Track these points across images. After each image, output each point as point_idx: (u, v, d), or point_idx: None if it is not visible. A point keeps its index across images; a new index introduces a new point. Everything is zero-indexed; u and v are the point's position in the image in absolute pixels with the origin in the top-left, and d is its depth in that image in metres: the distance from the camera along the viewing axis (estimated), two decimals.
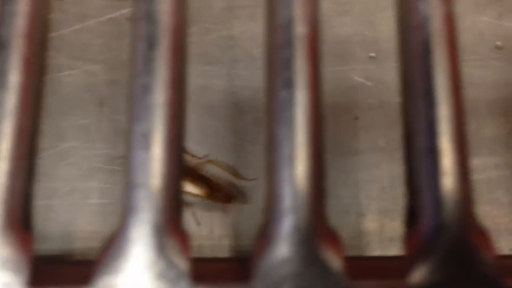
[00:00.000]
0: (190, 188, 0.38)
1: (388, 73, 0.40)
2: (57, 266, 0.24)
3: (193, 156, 0.38)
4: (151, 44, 0.21)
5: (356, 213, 0.37)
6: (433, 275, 0.19)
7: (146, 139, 0.20)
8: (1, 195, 0.20)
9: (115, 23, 0.40)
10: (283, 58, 0.21)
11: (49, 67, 0.35)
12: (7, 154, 0.20)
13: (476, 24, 0.41)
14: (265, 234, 0.20)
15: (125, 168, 0.20)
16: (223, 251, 0.37)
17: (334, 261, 0.19)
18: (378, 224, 0.37)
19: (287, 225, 0.19)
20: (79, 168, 0.37)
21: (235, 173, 0.38)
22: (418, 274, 0.19)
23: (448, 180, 0.20)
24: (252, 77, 0.39)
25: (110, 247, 0.19)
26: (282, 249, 0.19)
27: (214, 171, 0.38)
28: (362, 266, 0.23)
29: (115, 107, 0.39)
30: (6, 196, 0.20)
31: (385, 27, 0.41)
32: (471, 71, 0.40)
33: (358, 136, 0.39)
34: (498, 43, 0.40)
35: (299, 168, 0.20)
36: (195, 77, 0.39)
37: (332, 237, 0.20)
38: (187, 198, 0.38)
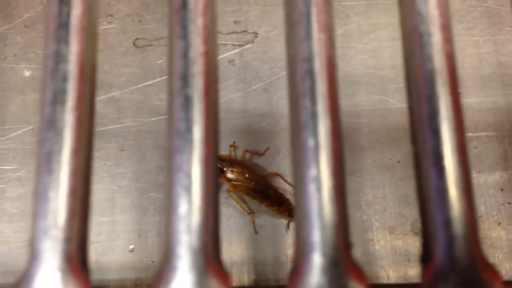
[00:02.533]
0: (260, 199, 0.42)
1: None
2: None
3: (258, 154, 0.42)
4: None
5: None
6: None
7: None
8: (62, 235, 0.22)
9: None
10: None
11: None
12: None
13: None
14: (296, 269, 0.23)
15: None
16: None
17: None
18: None
19: (317, 260, 0.22)
20: None
21: None
22: None
23: (458, 220, 0.23)
24: None
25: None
26: (313, 283, 0.22)
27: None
28: None
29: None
30: (66, 236, 0.22)
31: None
32: None
33: None
34: None
35: (327, 211, 0.23)
36: None
37: (357, 269, 0.23)
38: (252, 206, 0.41)
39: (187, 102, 0.24)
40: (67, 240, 0.22)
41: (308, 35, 0.24)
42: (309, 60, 0.24)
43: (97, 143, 0.43)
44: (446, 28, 0.25)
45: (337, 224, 0.23)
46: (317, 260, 0.23)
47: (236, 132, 0.43)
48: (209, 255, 0.23)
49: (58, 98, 0.23)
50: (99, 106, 0.43)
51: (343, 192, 0.24)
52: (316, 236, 0.23)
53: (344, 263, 0.23)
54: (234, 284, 0.41)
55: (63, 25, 0.24)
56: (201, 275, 0.22)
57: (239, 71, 0.44)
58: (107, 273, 0.40)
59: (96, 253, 0.40)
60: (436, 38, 0.25)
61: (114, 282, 0.40)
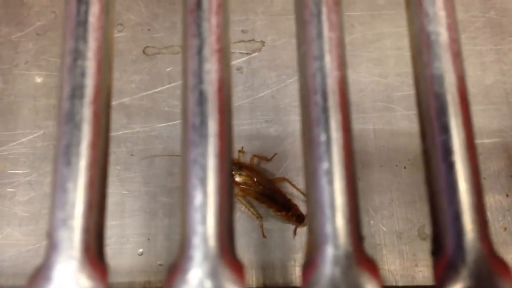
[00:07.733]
0: (269, 203, 0.42)
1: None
2: None
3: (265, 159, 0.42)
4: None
5: None
6: None
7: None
8: (79, 226, 0.23)
9: None
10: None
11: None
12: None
13: None
14: (310, 261, 0.23)
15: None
16: None
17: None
18: None
19: (330, 252, 0.23)
20: None
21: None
22: None
23: (467, 214, 0.23)
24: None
25: None
26: (326, 274, 0.22)
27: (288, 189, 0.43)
28: None
29: None
30: (84, 227, 0.23)
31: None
32: None
33: None
34: None
35: (339, 203, 0.23)
36: None
37: (370, 261, 0.23)
38: (260, 210, 0.42)
39: (202, 97, 0.24)
40: (85, 230, 0.23)
41: (319, 34, 0.25)
42: (320, 58, 0.25)
43: None
44: (453, 29, 0.26)
45: (349, 216, 0.24)
46: (330, 252, 0.23)
47: (244, 138, 0.44)
48: (224, 245, 0.23)
49: (76, 93, 0.24)
50: None
51: (354, 185, 0.24)
52: (329, 228, 0.23)
53: (356, 255, 0.23)
54: None
55: (81, 23, 0.25)
56: (216, 265, 0.23)
57: (246, 79, 0.45)
58: (117, 277, 0.40)
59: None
60: (443, 38, 0.25)
61: (123, 285, 0.40)
